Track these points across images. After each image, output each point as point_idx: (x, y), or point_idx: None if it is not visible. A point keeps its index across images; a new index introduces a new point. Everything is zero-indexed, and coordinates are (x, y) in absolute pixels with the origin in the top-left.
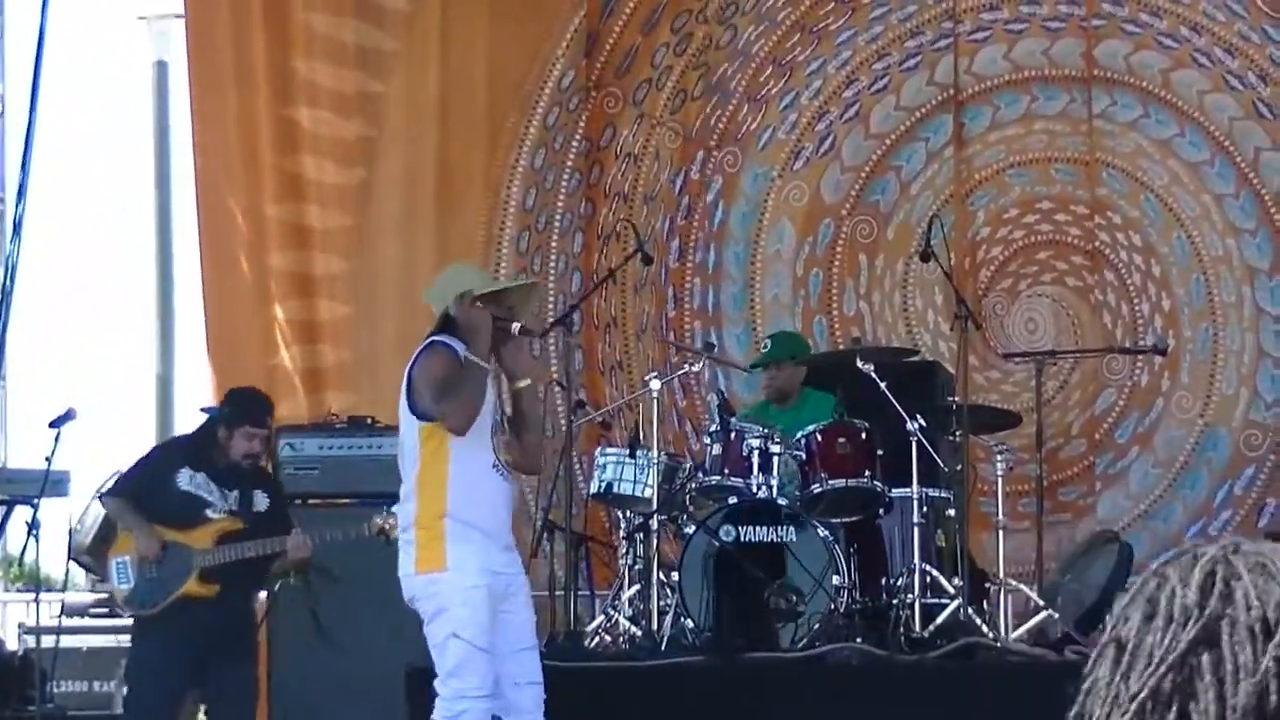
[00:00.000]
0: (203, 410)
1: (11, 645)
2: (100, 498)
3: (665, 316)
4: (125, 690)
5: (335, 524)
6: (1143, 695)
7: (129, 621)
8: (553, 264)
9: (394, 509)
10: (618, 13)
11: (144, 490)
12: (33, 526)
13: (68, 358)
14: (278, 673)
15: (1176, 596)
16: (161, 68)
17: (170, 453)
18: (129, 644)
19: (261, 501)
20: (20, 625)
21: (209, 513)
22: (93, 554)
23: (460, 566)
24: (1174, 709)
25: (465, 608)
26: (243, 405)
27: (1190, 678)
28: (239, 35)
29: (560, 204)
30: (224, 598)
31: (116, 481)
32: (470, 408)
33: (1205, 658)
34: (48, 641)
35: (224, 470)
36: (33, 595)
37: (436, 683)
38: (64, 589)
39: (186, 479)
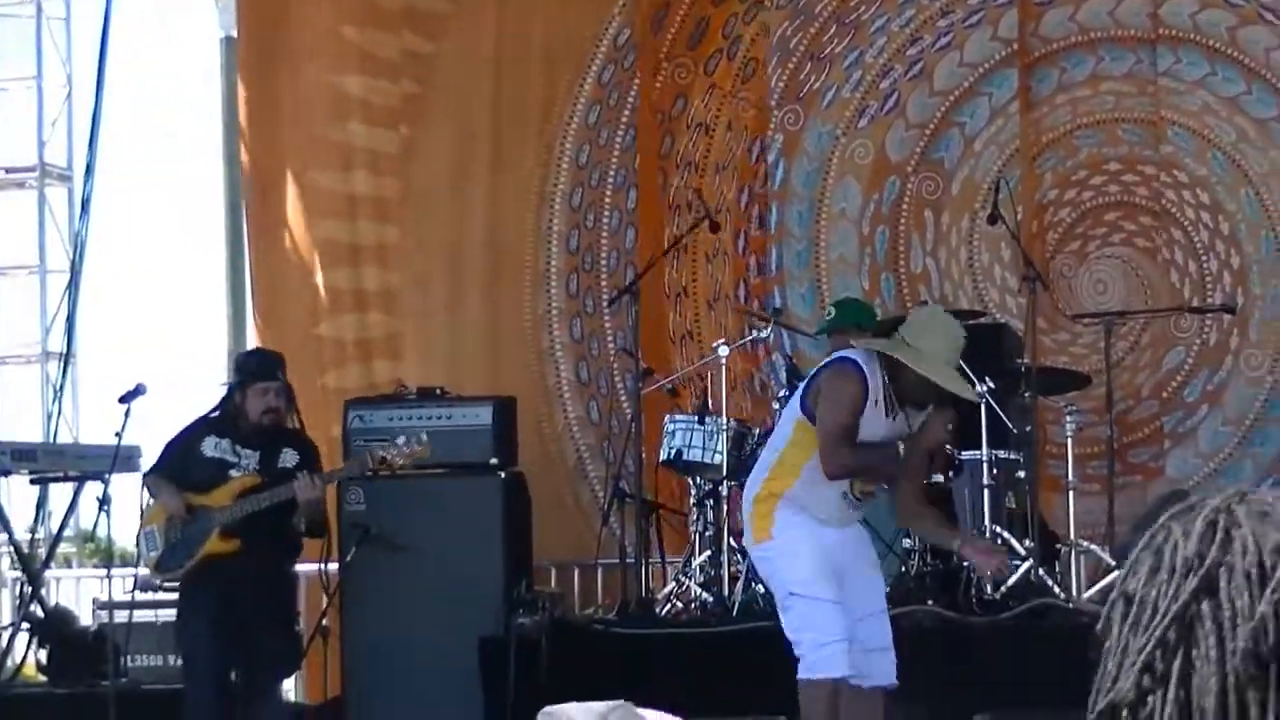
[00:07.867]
0: (223, 385)
1: (85, 620)
2: (143, 478)
3: (747, 283)
4: (181, 661)
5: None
6: (1149, 646)
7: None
8: (606, 220)
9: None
10: None
11: (176, 464)
12: (104, 502)
13: (138, 333)
14: (351, 644)
15: (1179, 548)
16: (230, 43)
17: (196, 425)
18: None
19: (290, 458)
20: (94, 600)
21: (231, 473)
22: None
23: (784, 533)
24: (1179, 658)
25: (793, 565)
26: (249, 364)
27: (1192, 626)
28: (292, 6)
29: (614, 160)
30: (247, 551)
31: (155, 462)
32: (856, 474)
33: (1205, 605)
34: (121, 616)
35: (247, 433)
36: (105, 570)
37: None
38: (136, 564)
39: (211, 446)
